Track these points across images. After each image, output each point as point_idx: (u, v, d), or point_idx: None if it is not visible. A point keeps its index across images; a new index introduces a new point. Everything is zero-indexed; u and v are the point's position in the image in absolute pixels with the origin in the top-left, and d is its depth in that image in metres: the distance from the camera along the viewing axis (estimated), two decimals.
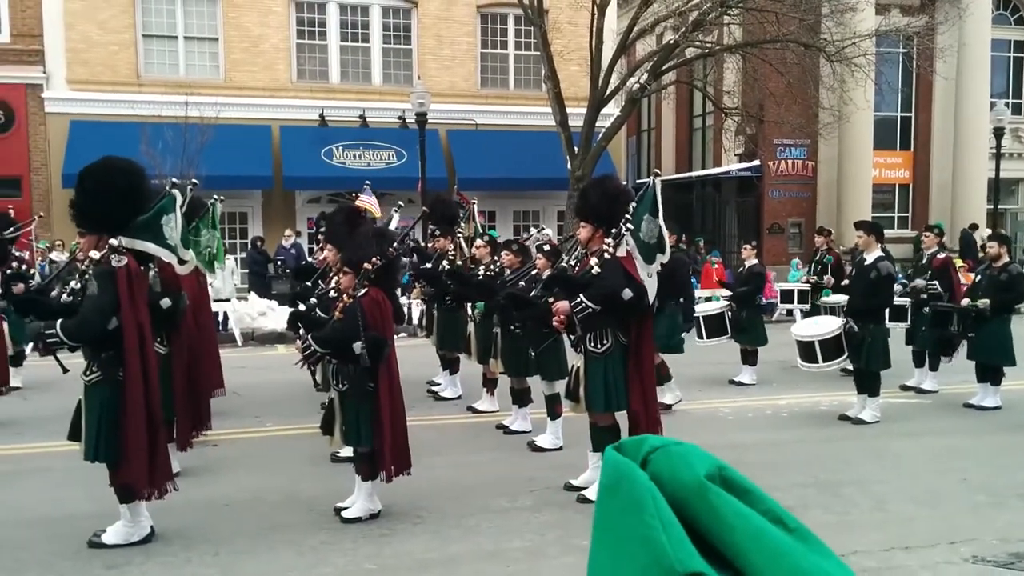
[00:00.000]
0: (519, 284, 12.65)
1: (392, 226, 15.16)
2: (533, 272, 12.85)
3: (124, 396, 8.69)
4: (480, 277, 14.15)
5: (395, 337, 9.86)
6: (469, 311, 15.00)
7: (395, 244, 10.10)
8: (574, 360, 10.12)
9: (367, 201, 17.75)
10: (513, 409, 13.79)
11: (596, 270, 9.49)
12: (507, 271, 13.85)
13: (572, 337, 9.84)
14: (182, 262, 10.61)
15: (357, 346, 8.97)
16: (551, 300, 9.82)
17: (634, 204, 9.76)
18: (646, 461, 1.39)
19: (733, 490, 1.38)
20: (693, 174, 42.19)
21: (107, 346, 8.54)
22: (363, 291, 9.24)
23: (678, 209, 40.23)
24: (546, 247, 13.37)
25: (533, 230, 17.42)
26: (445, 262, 15.58)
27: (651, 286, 10.04)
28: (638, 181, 38.51)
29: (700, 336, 17.79)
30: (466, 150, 34.21)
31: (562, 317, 9.57)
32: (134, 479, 8.75)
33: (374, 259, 9.18)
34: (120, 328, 8.47)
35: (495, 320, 13.63)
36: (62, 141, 30.96)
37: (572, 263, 10.66)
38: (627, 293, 9.52)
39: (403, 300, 21.02)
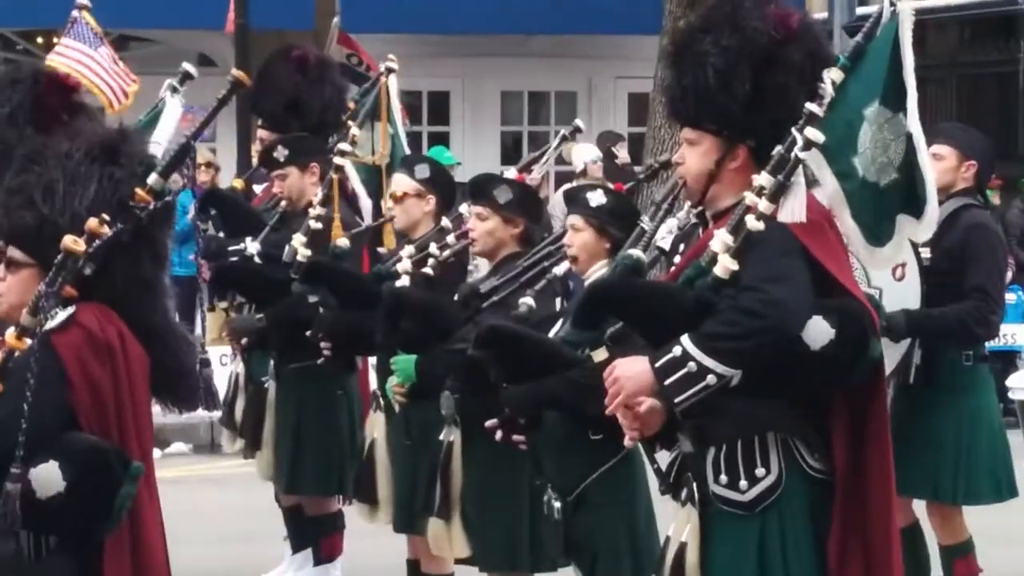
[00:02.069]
0: (516, 303, 6.41)
1: (164, 132, 7.81)
2: (554, 269, 6.53)
3: None
4: (395, 277, 7.18)
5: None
6: (372, 383, 7.83)
7: (165, 181, 4.79)
8: (670, 525, 4.91)
9: (74, 56, 8.99)
10: None
11: (728, 264, 4.43)
12: (477, 261, 7.28)
13: (657, 466, 4.94)
14: None
15: (40, 475, 4.15)
16: (598, 355, 5.01)
17: (836, 72, 4.74)
18: None
19: None
20: None
21: None
22: (61, 316, 4.26)
23: (976, 94, 21.71)
24: (591, 196, 6.54)
25: (554, 136, 9.84)
26: (298, 242, 7.85)
27: (895, 307, 6.74)
28: (860, 12, 16.24)
29: None
30: None
31: (637, 402, 4.48)
32: None
33: (95, 223, 4.24)
34: None
35: (448, 411, 6.63)
36: None
37: (661, 244, 6.02)
38: (819, 330, 4.43)
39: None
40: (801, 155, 4.39)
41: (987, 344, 7.68)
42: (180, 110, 7.33)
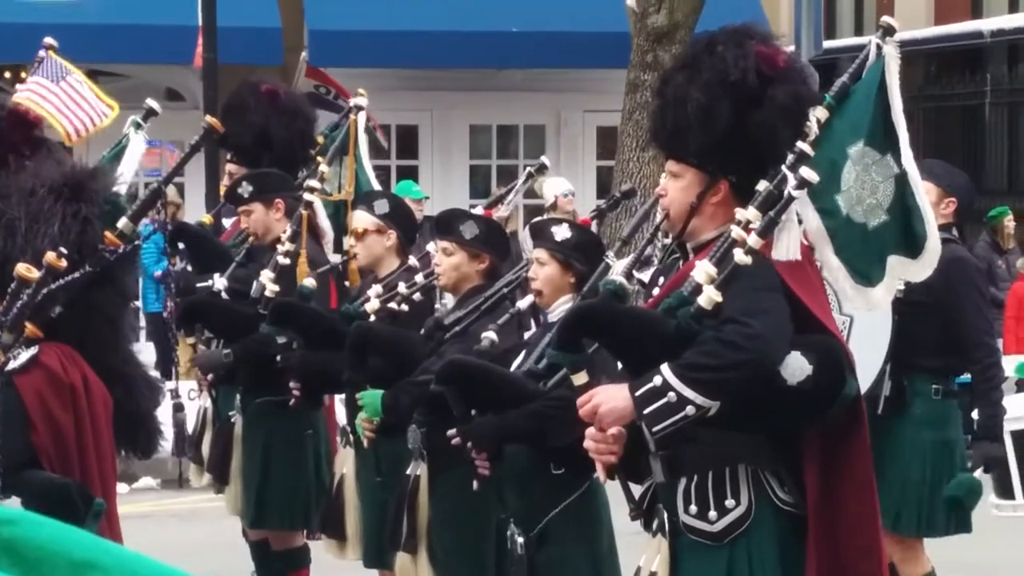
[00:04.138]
0: (479, 335, 6.31)
1: (128, 167, 7.68)
2: (518, 303, 6.52)
3: None
4: (364, 317, 6.92)
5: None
6: (340, 418, 7.66)
7: (135, 225, 5.09)
8: (635, 556, 4.98)
9: (44, 95, 8.63)
10: None
11: (712, 296, 4.45)
12: (445, 299, 7.20)
13: (633, 503, 4.81)
14: None
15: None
16: (578, 378, 4.77)
17: (821, 111, 4.80)
18: None
19: None
20: (983, 27, 20.82)
21: None
22: (24, 356, 4.25)
23: (941, 126, 22.00)
24: (556, 230, 6.44)
25: (522, 170, 10.36)
26: (266, 278, 7.72)
27: (865, 335, 6.67)
28: (827, 46, 16.61)
29: (1005, 490, 7.90)
30: None
31: (611, 432, 4.51)
32: None
33: (52, 257, 4.22)
34: None
35: (415, 445, 6.46)
36: None
37: (636, 276, 5.97)
38: (797, 365, 4.44)
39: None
40: (795, 193, 4.40)
41: (956, 378, 7.73)
42: (144, 146, 7.26)
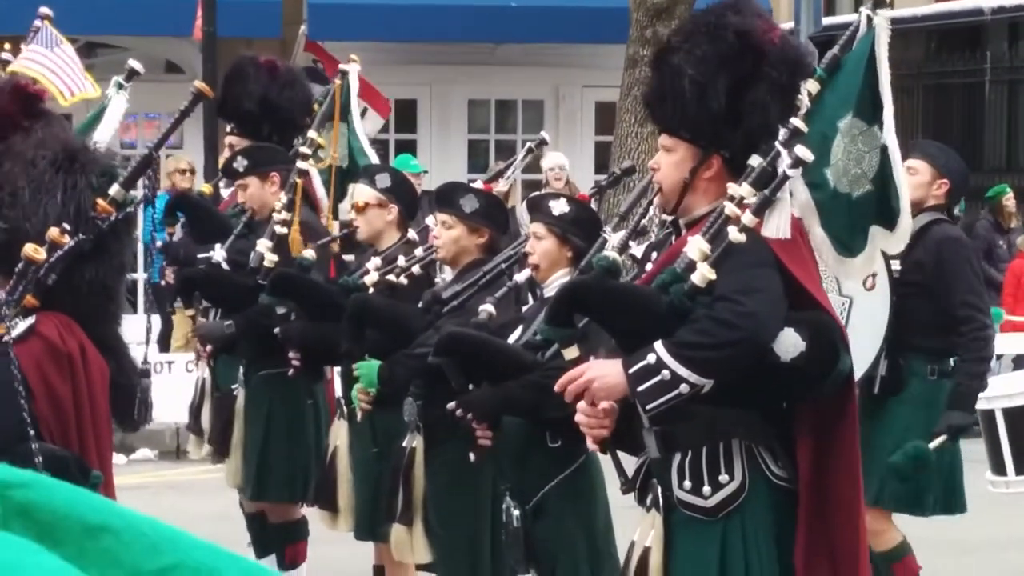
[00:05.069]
0: (477, 308, 6.21)
1: (107, 128, 7.50)
2: (515, 276, 6.40)
3: None
4: (362, 289, 6.83)
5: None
6: (337, 391, 7.59)
7: (127, 192, 4.65)
8: (629, 531, 4.91)
9: (35, 59, 8.54)
10: None
11: (705, 273, 4.35)
12: (445, 273, 7.07)
13: (624, 478, 4.76)
14: None
15: None
16: (569, 352, 4.77)
17: (812, 84, 4.92)
18: None
19: None
20: (984, 4, 20.56)
21: None
22: (21, 326, 4.14)
23: (941, 104, 21.73)
24: (554, 204, 6.42)
25: (520, 145, 10.17)
26: (263, 247, 7.62)
27: (864, 316, 6.60)
28: (827, 22, 16.79)
29: (998, 466, 7.66)
30: None
31: (602, 406, 4.46)
32: None
33: (56, 233, 4.11)
34: None
35: (411, 417, 6.44)
36: None
37: (632, 250, 5.89)
38: (790, 342, 4.36)
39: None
40: (790, 172, 4.36)
41: (952, 358, 7.49)
42: (124, 106, 7.08)
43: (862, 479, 4.79)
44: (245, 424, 7.59)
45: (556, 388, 4.47)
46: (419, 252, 6.83)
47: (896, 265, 7.08)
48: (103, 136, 6.67)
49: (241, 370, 7.79)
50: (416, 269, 6.80)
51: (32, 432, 3.91)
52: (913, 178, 7.20)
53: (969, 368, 7.21)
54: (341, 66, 8.58)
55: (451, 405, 5.69)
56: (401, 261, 6.73)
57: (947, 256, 7.17)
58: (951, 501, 7.46)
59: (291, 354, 7.27)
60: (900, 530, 7.42)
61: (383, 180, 7.14)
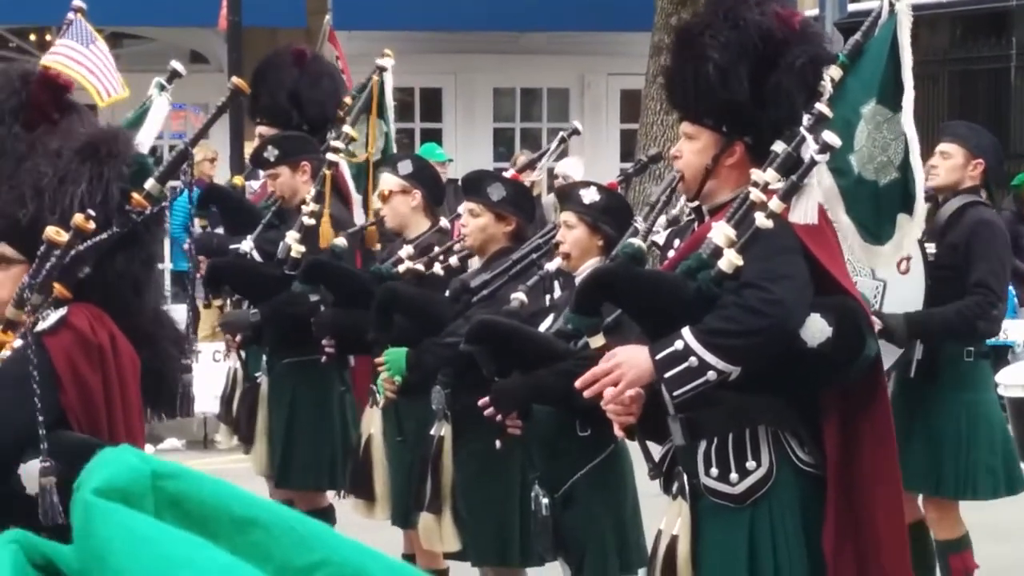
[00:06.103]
0: (507, 297, 6.16)
1: (150, 130, 7.60)
2: (545, 265, 6.25)
3: None
4: (396, 278, 6.82)
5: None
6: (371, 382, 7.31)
7: (162, 187, 4.76)
8: (657, 519, 4.84)
9: (72, 55, 8.51)
10: None
11: (732, 259, 4.29)
12: (464, 255, 6.89)
13: (652, 463, 4.69)
14: None
15: (30, 471, 3.88)
16: (595, 341, 4.69)
17: (835, 70, 4.78)
18: None
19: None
20: None
21: None
22: (53, 317, 4.01)
23: (967, 90, 21.40)
24: (584, 193, 6.34)
25: (545, 133, 9.98)
26: (291, 238, 7.64)
27: (898, 300, 6.58)
28: (852, 9, 16.55)
29: None
30: None
31: (628, 394, 4.37)
32: None
33: (80, 219, 4.01)
34: None
35: (439, 405, 6.38)
36: None
37: (657, 238, 5.74)
38: (816, 328, 4.33)
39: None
40: (818, 158, 4.32)
41: (986, 340, 7.51)
42: (167, 108, 7.05)
43: (899, 465, 4.73)
44: (269, 412, 7.60)
45: (578, 385, 4.46)
46: (457, 247, 6.85)
47: (931, 249, 6.99)
48: (146, 138, 6.67)
49: (264, 358, 7.78)
50: (454, 260, 6.76)
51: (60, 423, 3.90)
52: (947, 162, 7.08)
53: (953, 319, 7.00)
54: (378, 61, 8.52)
55: (482, 401, 5.65)
56: (437, 251, 6.77)
57: (977, 238, 7.10)
58: (1003, 484, 7.41)
59: (324, 341, 7.25)
60: (964, 522, 7.28)
61: (405, 167, 7.13)
